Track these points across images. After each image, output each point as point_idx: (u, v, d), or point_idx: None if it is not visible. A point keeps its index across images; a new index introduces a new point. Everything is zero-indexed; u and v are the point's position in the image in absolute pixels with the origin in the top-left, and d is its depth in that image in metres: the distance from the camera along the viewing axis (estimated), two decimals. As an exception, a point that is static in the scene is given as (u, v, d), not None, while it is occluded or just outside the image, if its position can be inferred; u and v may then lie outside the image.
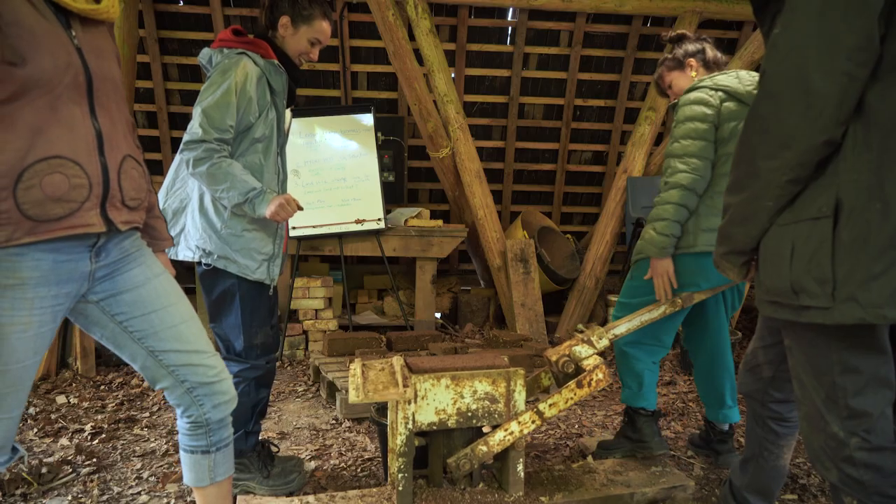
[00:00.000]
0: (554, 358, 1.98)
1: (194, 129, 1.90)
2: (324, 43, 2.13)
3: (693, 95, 2.13)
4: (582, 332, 2.06)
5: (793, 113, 1.13)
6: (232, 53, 1.97)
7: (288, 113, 2.22)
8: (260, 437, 2.23)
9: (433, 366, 1.80)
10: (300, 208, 2.02)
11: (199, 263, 2.01)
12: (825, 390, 1.26)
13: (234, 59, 1.95)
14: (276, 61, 2.03)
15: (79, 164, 1.22)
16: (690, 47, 2.33)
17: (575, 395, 1.87)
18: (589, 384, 1.88)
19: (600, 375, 1.88)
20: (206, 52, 2.04)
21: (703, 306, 2.38)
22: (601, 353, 2.00)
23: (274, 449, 2.31)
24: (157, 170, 5.28)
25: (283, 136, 2.13)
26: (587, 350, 1.98)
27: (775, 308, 1.27)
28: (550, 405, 1.87)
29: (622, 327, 2.08)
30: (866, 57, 1.06)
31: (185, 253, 2.03)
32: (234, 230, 1.99)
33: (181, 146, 1.93)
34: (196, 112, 1.92)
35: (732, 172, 1.31)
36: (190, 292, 4.56)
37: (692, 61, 2.31)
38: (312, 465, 2.46)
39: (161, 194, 2.10)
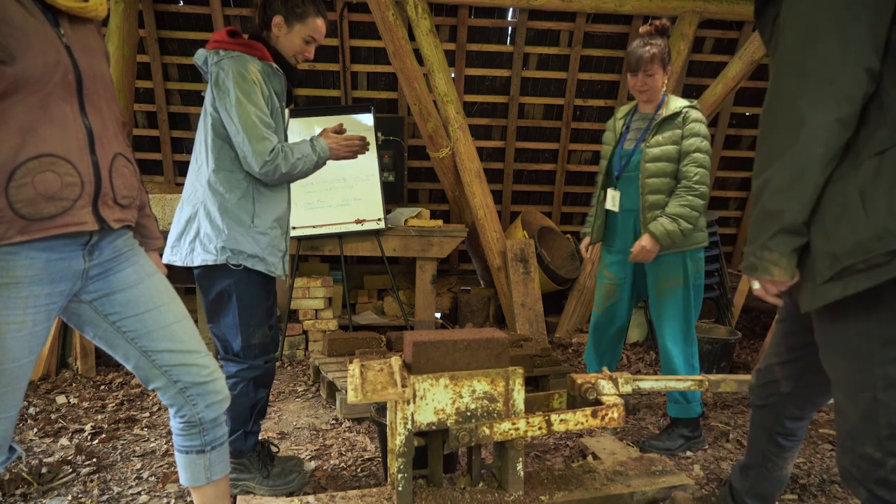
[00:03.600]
0: (579, 381, 2.03)
1: (264, 143, 1.89)
2: (319, 41, 2.11)
3: (700, 115, 2.47)
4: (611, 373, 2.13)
5: (829, 46, 1.11)
6: (230, 55, 1.96)
7: (286, 113, 2.22)
8: (260, 437, 2.23)
9: (432, 338, 1.80)
10: (343, 130, 2.16)
11: (209, 265, 1.99)
12: (862, 408, 1.20)
13: (241, 59, 1.93)
14: (273, 64, 2.03)
15: (70, 163, 1.22)
16: (667, 49, 2.60)
17: (587, 420, 1.91)
18: (602, 418, 1.92)
19: (615, 415, 1.93)
20: (201, 52, 2.02)
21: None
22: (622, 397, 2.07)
23: (274, 449, 2.31)
24: (158, 170, 5.29)
25: (282, 136, 2.13)
26: (611, 388, 2.04)
27: (846, 284, 1.13)
28: (561, 420, 1.89)
29: (648, 384, 2.14)
30: None
31: (203, 257, 1.97)
32: (261, 228, 1.99)
33: (260, 168, 1.90)
34: (246, 123, 1.88)
35: (762, 146, 1.24)
36: (191, 292, 4.58)
37: (670, 68, 2.61)
38: (312, 465, 2.46)
39: (178, 208, 2.07)
